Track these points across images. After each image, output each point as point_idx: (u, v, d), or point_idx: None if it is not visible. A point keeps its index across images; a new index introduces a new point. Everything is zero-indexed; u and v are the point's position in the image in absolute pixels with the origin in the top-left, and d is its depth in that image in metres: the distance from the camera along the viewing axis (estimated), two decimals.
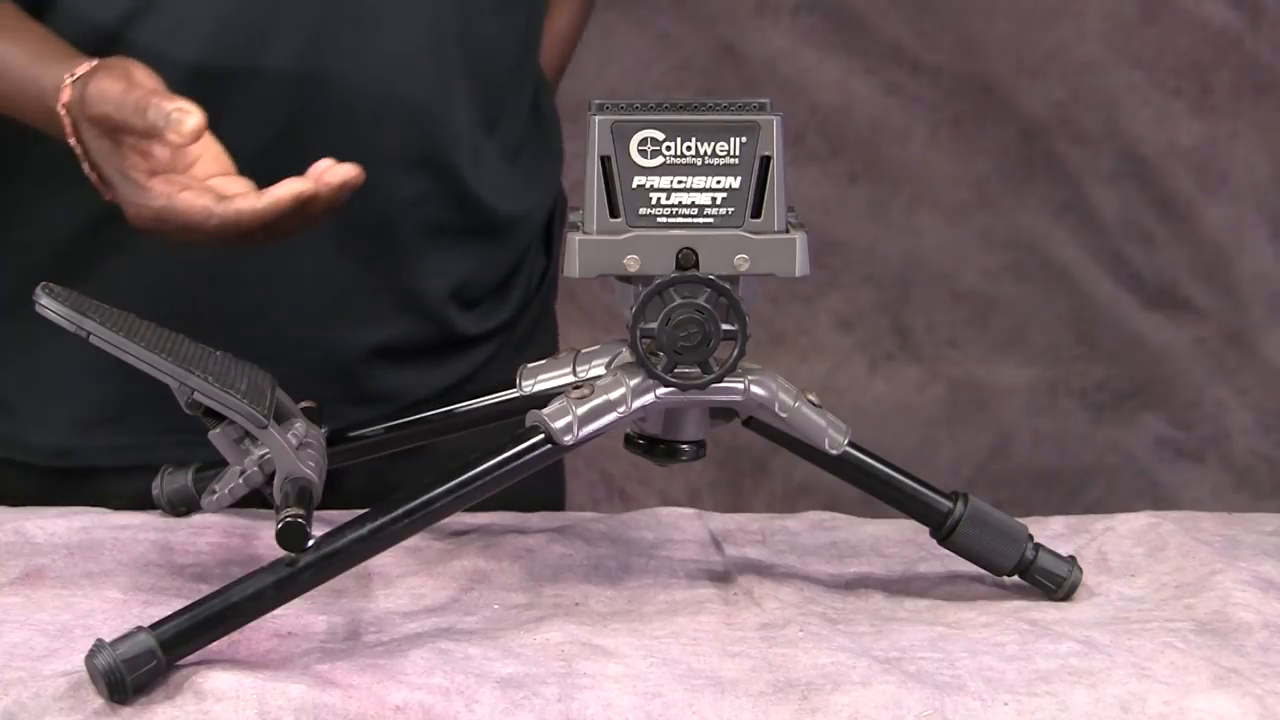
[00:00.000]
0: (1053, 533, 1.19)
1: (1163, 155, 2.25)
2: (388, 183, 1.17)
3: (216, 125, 1.06)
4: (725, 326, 1.00)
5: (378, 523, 0.98)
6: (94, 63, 1.10)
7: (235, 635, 0.96)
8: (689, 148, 1.00)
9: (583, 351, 1.09)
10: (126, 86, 1.06)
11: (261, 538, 1.15)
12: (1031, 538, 1.08)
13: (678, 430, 1.05)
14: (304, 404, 1.12)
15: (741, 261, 1.00)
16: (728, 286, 1.00)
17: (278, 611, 0.97)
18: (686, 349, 1.01)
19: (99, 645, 0.91)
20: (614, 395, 1.02)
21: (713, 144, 1.00)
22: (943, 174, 2.27)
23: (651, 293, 1.00)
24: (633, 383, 1.02)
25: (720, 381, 1.02)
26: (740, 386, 1.03)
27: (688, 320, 1.00)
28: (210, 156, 1.10)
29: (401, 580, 1.09)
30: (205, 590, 0.96)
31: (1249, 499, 2.29)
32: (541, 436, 1.01)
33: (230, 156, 1.10)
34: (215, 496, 1.08)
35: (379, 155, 1.06)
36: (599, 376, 1.05)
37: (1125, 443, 2.33)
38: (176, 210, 1.05)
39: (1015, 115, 2.24)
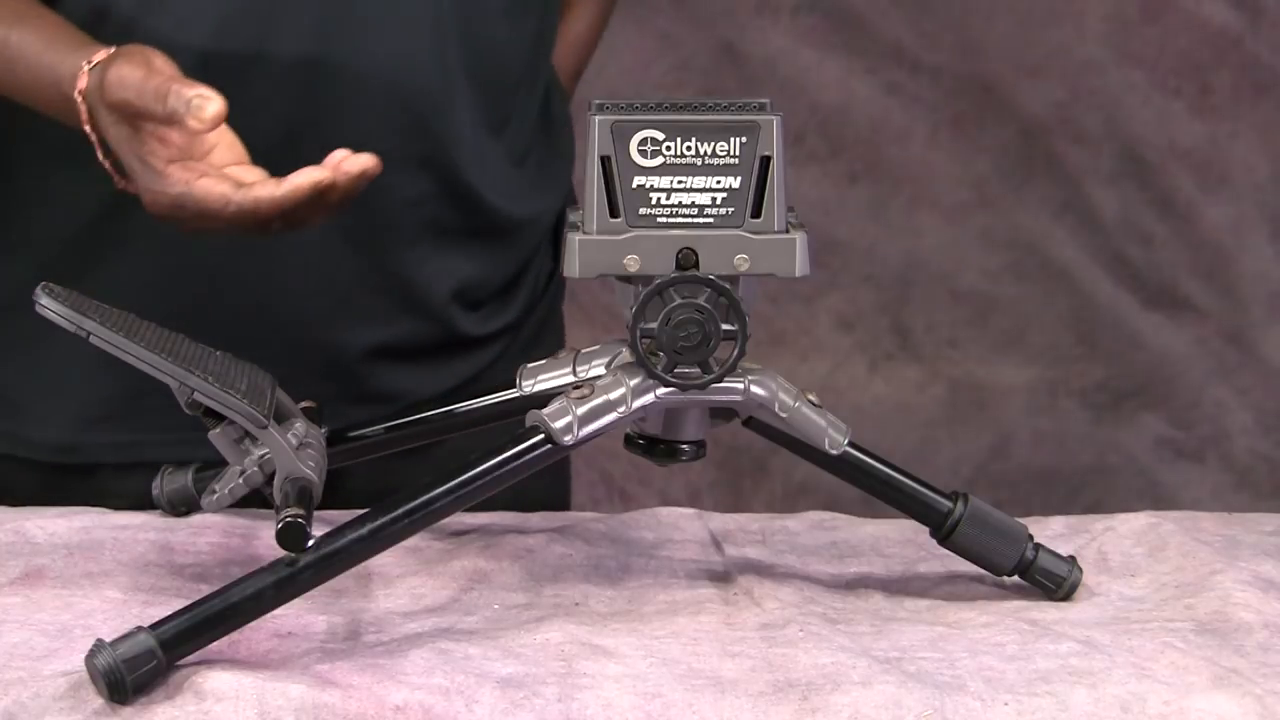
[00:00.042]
0: (1053, 533, 1.19)
1: (1163, 155, 2.25)
2: (389, 182, 1.17)
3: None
4: (725, 326, 1.00)
5: (378, 523, 0.98)
6: (111, 50, 1.10)
7: (235, 635, 0.96)
8: (689, 148, 1.00)
9: (583, 351, 1.09)
10: (147, 73, 1.06)
11: (261, 538, 1.15)
12: (1031, 538, 1.08)
13: (678, 430, 1.05)
14: (304, 404, 1.12)
15: (741, 261, 1.00)
16: (728, 286, 1.00)
17: (278, 611, 0.97)
18: (686, 349, 1.01)
19: (99, 645, 0.91)
20: (614, 395, 1.02)
21: (713, 144, 1.00)
22: (943, 174, 2.27)
23: (651, 293, 1.00)
24: (633, 383, 1.02)
25: (720, 381, 1.02)
26: (740, 386, 1.03)
27: (688, 320, 1.00)
28: (226, 146, 1.10)
29: (401, 580, 1.09)
30: (205, 590, 0.96)
31: (1249, 499, 2.29)
32: (541, 436, 1.01)
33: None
34: (215, 496, 1.08)
35: (381, 154, 1.07)
36: (599, 376, 1.05)
37: (1125, 443, 2.33)
38: (194, 197, 1.06)
39: (1015, 115, 2.25)
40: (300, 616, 1.01)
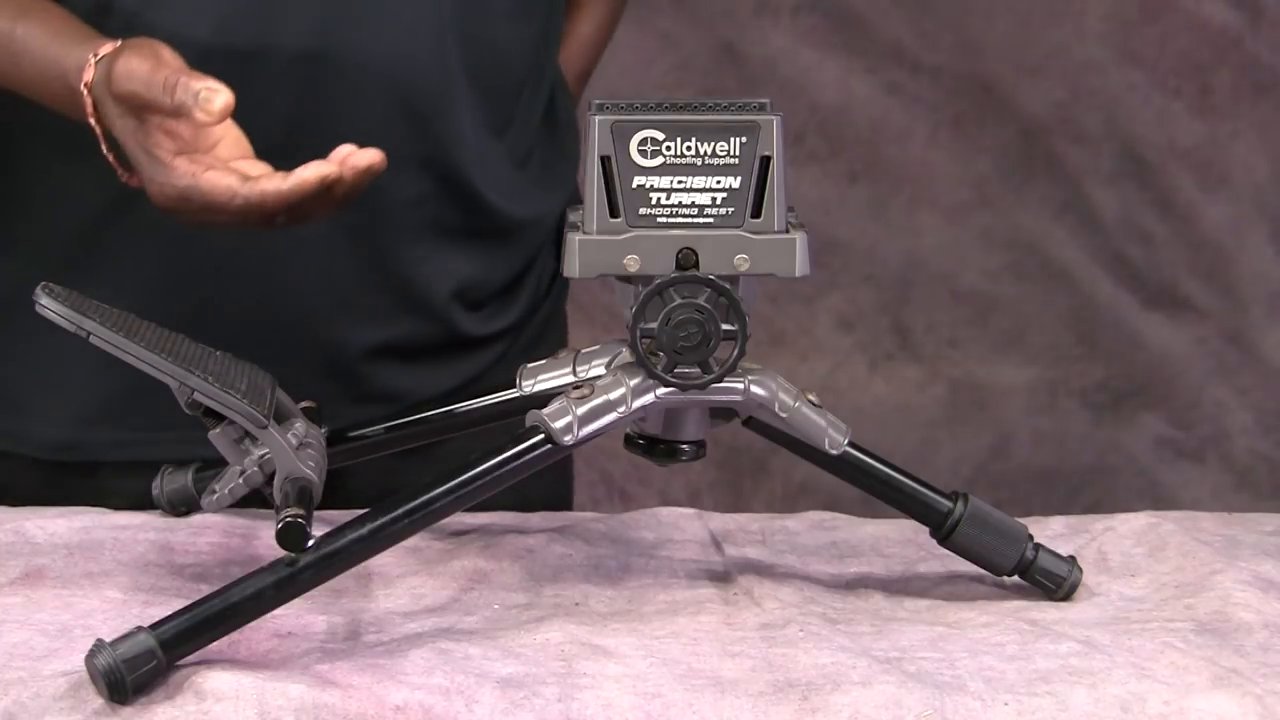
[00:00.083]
0: (1053, 533, 1.19)
1: (1163, 155, 2.25)
2: (390, 181, 1.17)
3: None
4: (725, 326, 1.00)
5: (378, 523, 0.98)
6: (118, 43, 1.10)
7: (235, 635, 0.96)
8: (689, 148, 1.00)
9: (583, 351, 1.09)
10: (155, 65, 1.06)
11: (261, 538, 1.15)
12: (1031, 538, 1.08)
13: (678, 430, 1.05)
14: (304, 404, 1.12)
15: (741, 261, 1.00)
16: (728, 286, 1.00)
17: (278, 611, 0.97)
18: (686, 349, 1.01)
19: (99, 645, 0.91)
20: (614, 395, 1.02)
21: (713, 144, 1.00)
22: (943, 174, 2.27)
23: (651, 293, 1.00)
24: (633, 383, 1.02)
25: (720, 381, 1.02)
26: (740, 386, 1.03)
27: (688, 320, 1.00)
28: (231, 140, 1.10)
29: (401, 580, 1.09)
30: (205, 590, 0.96)
31: (1249, 499, 2.29)
32: (541, 436, 1.01)
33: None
34: (215, 496, 1.07)
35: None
36: (599, 376, 1.05)
37: (1125, 443, 2.33)
38: (201, 189, 1.06)
39: (1015, 115, 2.25)
40: (300, 616, 1.01)
